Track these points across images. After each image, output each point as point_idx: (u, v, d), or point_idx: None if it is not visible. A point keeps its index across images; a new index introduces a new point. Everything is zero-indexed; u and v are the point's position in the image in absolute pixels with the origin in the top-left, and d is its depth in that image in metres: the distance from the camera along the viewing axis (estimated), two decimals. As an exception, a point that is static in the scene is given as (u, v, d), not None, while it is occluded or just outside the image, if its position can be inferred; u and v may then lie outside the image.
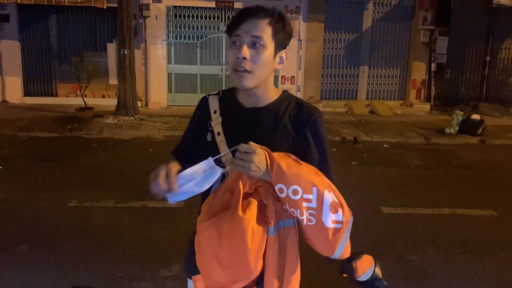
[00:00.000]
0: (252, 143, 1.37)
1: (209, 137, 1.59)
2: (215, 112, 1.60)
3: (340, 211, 1.38)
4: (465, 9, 11.40)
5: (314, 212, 1.35)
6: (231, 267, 1.37)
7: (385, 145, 8.20)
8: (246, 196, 1.40)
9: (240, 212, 1.34)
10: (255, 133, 1.52)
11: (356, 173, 6.32)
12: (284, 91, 1.64)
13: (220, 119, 1.58)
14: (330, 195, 1.37)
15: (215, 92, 1.68)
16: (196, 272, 1.54)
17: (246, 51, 1.46)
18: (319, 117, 1.56)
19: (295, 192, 1.34)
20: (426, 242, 4.15)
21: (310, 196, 1.35)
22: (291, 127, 1.54)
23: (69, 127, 8.44)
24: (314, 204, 1.35)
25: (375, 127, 9.34)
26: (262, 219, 1.38)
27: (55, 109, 9.94)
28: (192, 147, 1.70)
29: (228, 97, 1.63)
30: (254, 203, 1.38)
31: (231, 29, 1.50)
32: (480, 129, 8.69)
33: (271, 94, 1.59)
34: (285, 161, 1.37)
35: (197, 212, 1.54)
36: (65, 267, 3.54)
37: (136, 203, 4.84)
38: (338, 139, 8.37)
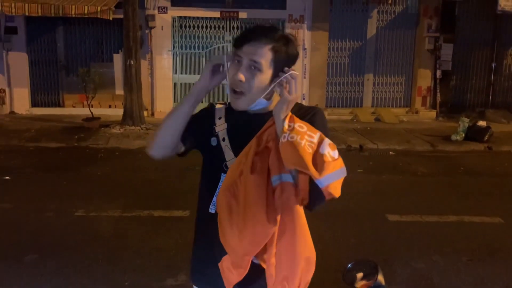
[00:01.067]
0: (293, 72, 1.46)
1: (214, 142, 1.60)
2: (220, 118, 1.62)
3: (337, 151, 1.42)
4: (469, 16, 11.41)
5: (312, 144, 1.38)
6: (247, 229, 1.38)
7: (391, 152, 8.18)
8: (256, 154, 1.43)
9: (249, 171, 1.38)
10: None
11: (362, 181, 6.30)
12: None
13: (225, 125, 1.60)
14: (329, 143, 1.41)
15: (223, 102, 1.70)
16: (201, 280, 1.55)
17: (242, 74, 1.48)
18: (319, 112, 1.60)
19: (301, 126, 1.40)
20: (433, 250, 4.13)
21: (313, 135, 1.40)
22: None
23: (76, 137, 8.51)
24: (315, 140, 1.39)
25: (381, 134, 9.33)
26: (264, 169, 1.41)
27: (62, 119, 10.03)
28: (189, 130, 1.62)
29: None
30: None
31: (235, 46, 1.52)
32: (487, 136, 8.65)
33: (274, 101, 1.60)
34: None
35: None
36: (72, 276, 3.56)
37: (142, 212, 4.87)
38: (344, 147, 8.36)
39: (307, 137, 1.38)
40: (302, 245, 1.42)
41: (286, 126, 1.39)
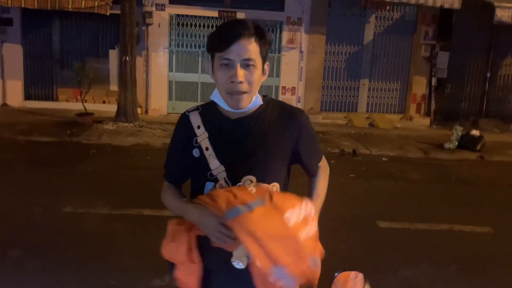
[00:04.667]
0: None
1: (196, 153, 1.57)
2: (198, 127, 1.58)
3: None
4: (466, 25, 11.44)
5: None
6: None
7: (384, 158, 8.19)
8: None
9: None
10: (246, 143, 1.53)
11: (354, 186, 6.30)
12: (265, 96, 1.64)
13: (206, 134, 1.57)
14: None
15: (194, 108, 1.66)
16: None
17: (241, 75, 1.47)
18: (302, 115, 1.64)
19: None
20: (422, 258, 4.12)
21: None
22: (279, 130, 1.57)
23: (68, 132, 8.44)
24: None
25: (374, 140, 9.33)
26: None
27: (55, 113, 9.95)
28: (180, 166, 1.68)
29: (210, 111, 1.61)
30: None
31: (217, 50, 1.49)
32: (479, 145, 8.68)
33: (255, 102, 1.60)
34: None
35: None
36: (58, 274, 3.51)
37: (131, 210, 4.82)
38: (337, 151, 8.36)
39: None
40: None
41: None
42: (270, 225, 1.34)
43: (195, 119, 1.60)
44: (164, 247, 1.55)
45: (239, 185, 1.49)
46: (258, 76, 1.51)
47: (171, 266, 1.61)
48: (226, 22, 1.58)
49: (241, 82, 1.46)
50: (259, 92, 1.59)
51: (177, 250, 1.52)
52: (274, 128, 1.56)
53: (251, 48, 1.47)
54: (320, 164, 1.76)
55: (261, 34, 1.50)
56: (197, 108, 1.64)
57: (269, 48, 1.56)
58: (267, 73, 1.58)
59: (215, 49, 1.50)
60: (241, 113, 1.56)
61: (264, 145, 1.53)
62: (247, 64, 1.47)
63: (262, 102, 1.59)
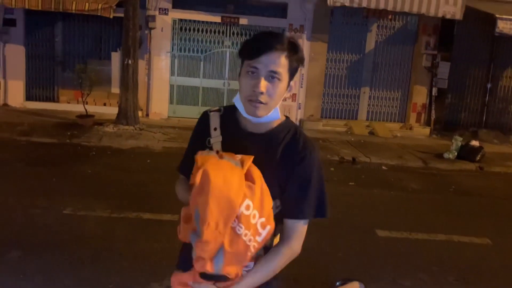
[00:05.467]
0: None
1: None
2: (215, 129, 1.60)
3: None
4: (467, 36, 11.51)
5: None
6: None
7: (383, 167, 8.20)
8: None
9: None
10: (252, 160, 1.52)
11: (353, 194, 6.31)
12: (286, 118, 1.63)
13: (220, 138, 1.58)
14: None
15: (217, 108, 1.67)
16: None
17: (263, 86, 1.47)
18: (312, 153, 1.54)
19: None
20: (420, 268, 4.13)
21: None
22: (284, 160, 1.53)
23: (69, 133, 8.44)
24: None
25: (374, 148, 9.35)
26: None
27: (56, 115, 9.95)
28: (193, 161, 1.70)
29: (230, 115, 1.62)
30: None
31: (247, 57, 1.49)
32: (479, 156, 8.69)
33: (273, 121, 1.58)
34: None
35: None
36: (55, 275, 3.51)
37: (131, 214, 4.82)
38: (336, 158, 8.37)
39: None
40: None
41: None
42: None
43: (214, 120, 1.61)
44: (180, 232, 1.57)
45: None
46: (281, 91, 1.50)
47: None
48: (263, 31, 1.57)
49: (262, 93, 1.47)
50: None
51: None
52: (280, 153, 1.53)
53: (280, 61, 1.47)
54: (293, 226, 1.53)
55: (294, 50, 1.50)
56: (219, 110, 1.65)
57: (298, 65, 1.54)
58: (293, 90, 1.58)
59: (245, 56, 1.51)
60: (256, 128, 1.56)
61: (263, 166, 1.48)
62: (272, 76, 1.47)
63: (278, 117, 1.57)
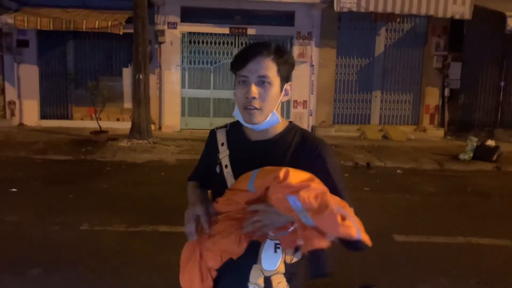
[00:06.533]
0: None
1: (218, 169, 1.63)
2: (222, 144, 1.64)
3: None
4: (478, 35, 11.41)
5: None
6: None
7: (398, 170, 8.13)
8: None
9: None
10: (261, 166, 1.53)
11: (369, 199, 6.26)
12: (290, 122, 1.66)
13: (227, 152, 1.62)
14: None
15: (223, 125, 1.73)
16: None
17: (255, 91, 1.51)
18: (324, 149, 1.57)
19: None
20: (440, 272, 4.07)
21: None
22: (297, 161, 1.54)
23: (83, 150, 8.55)
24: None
25: (388, 152, 9.28)
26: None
27: (70, 132, 10.10)
28: (203, 176, 1.76)
29: (235, 129, 1.66)
30: None
31: (236, 68, 1.55)
32: (495, 156, 8.57)
33: (277, 126, 1.60)
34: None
35: None
36: (75, 292, 3.54)
37: (147, 227, 4.85)
38: (350, 164, 8.33)
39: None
40: None
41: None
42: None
43: (221, 137, 1.67)
44: (181, 278, 1.64)
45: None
46: (274, 94, 1.53)
47: None
48: (250, 43, 1.62)
49: (254, 98, 1.50)
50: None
51: (192, 281, 1.59)
52: (291, 155, 1.55)
53: (267, 66, 1.51)
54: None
55: (280, 53, 1.54)
56: (225, 126, 1.71)
57: (290, 69, 1.58)
58: (290, 93, 1.61)
59: (235, 68, 1.55)
60: (261, 136, 1.59)
61: None
62: (262, 81, 1.51)
63: (279, 121, 1.58)
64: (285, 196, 1.34)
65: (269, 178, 1.38)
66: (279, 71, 1.53)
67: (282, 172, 1.37)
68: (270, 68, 1.51)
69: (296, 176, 1.37)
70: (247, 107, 1.52)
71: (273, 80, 1.52)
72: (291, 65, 1.58)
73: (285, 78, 1.57)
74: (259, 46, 1.54)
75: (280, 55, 1.53)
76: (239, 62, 1.53)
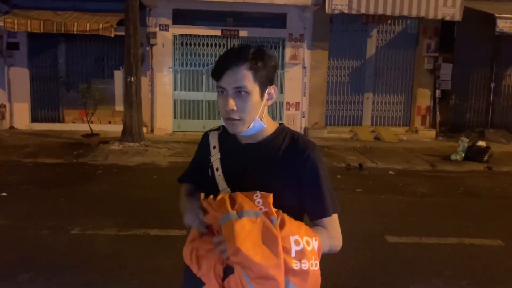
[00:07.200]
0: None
1: (210, 172, 1.62)
2: (214, 147, 1.64)
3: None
4: (468, 37, 11.51)
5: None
6: None
7: (390, 172, 8.16)
8: None
9: None
10: (251, 170, 1.53)
11: (361, 200, 6.27)
12: (280, 124, 1.65)
13: (218, 155, 1.61)
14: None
15: (216, 127, 1.72)
16: None
17: (232, 103, 1.48)
18: (313, 152, 1.55)
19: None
20: (432, 273, 4.08)
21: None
22: (286, 163, 1.54)
23: (75, 153, 8.49)
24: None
25: (380, 153, 9.31)
26: None
27: (61, 135, 10.03)
28: (194, 178, 1.75)
29: (228, 133, 1.63)
30: None
31: (214, 79, 1.52)
32: (487, 156, 8.63)
33: (267, 128, 1.59)
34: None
35: None
36: (66, 296, 3.50)
37: (138, 231, 4.82)
38: (343, 165, 8.34)
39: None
40: None
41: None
42: (252, 238, 1.30)
43: (213, 139, 1.66)
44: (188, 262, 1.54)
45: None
46: (254, 103, 1.50)
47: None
48: (227, 50, 1.57)
49: (232, 110, 1.49)
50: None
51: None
52: (281, 157, 1.54)
53: (243, 75, 1.47)
54: (326, 224, 1.55)
55: (258, 58, 1.49)
56: (218, 129, 1.70)
57: (271, 72, 1.53)
58: (274, 96, 1.57)
59: (213, 78, 1.53)
60: (251, 139, 1.58)
61: (266, 175, 1.52)
62: (239, 91, 1.47)
63: (263, 126, 1.56)
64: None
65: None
66: (257, 77, 1.49)
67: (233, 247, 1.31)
68: (245, 77, 1.47)
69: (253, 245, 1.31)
70: (228, 119, 1.51)
71: (251, 88, 1.48)
72: (272, 68, 1.54)
73: (266, 82, 1.52)
74: (234, 54, 1.50)
75: (258, 60, 1.49)
76: (215, 74, 1.51)
